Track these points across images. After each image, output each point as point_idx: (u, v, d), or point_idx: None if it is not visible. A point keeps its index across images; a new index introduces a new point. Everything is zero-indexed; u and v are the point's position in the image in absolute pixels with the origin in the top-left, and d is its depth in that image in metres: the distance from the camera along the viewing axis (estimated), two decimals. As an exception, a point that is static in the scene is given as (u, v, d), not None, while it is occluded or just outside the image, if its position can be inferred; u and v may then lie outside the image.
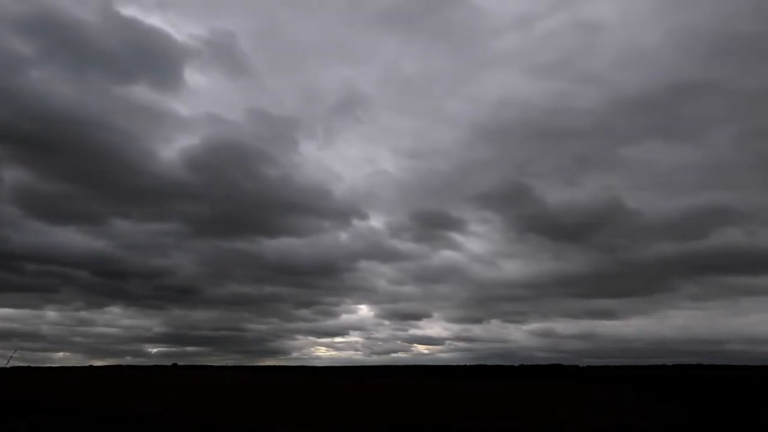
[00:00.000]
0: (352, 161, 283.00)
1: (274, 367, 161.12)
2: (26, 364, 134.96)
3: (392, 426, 18.96)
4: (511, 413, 23.31)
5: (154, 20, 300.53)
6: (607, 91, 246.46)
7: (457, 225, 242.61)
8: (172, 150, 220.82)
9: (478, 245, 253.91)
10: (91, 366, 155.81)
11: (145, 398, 30.99)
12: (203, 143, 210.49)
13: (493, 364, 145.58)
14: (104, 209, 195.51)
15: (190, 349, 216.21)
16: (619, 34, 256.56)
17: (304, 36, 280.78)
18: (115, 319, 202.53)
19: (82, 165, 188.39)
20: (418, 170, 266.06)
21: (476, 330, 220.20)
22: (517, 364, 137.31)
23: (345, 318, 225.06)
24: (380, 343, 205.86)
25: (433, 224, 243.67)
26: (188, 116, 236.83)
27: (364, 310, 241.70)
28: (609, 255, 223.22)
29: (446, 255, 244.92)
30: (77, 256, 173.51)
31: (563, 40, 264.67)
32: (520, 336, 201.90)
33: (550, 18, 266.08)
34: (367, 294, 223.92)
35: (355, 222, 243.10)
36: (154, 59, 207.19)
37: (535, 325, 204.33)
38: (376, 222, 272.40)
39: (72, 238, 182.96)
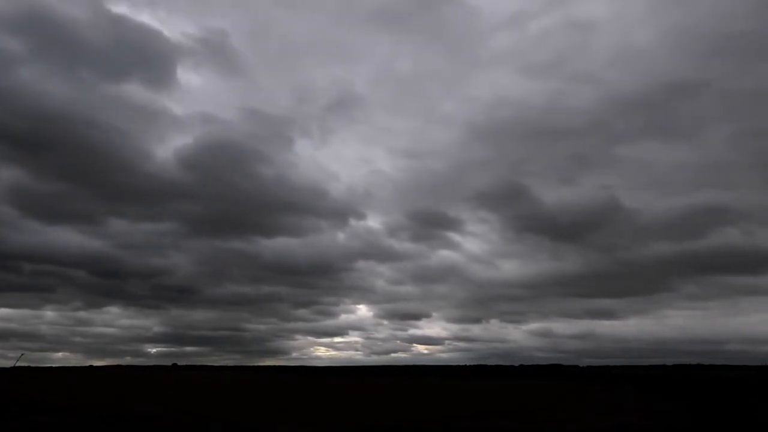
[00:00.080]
0: (347, 161, 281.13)
1: (274, 367, 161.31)
2: (26, 364, 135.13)
3: (392, 426, 18.97)
4: (511, 413, 23.32)
5: (145, 18, 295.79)
6: (602, 91, 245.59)
7: (454, 225, 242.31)
8: (166, 149, 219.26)
9: (476, 245, 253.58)
10: (90, 366, 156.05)
11: (145, 398, 31.00)
12: (198, 142, 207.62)
13: (493, 364, 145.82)
14: (100, 209, 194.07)
15: (189, 349, 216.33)
16: (613, 33, 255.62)
17: (296, 35, 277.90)
18: (114, 319, 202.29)
19: (77, 164, 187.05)
20: (414, 170, 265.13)
21: (475, 330, 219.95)
22: (517, 364, 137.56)
23: (344, 318, 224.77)
24: (380, 343, 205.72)
25: (430, 224, 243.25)
26: (182, 115, 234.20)
27: (363, 310, 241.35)
28: (607, 255, 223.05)
29: (444, 255, 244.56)
30: (74, 256, 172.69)
31: (557, 40, 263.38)
32: (519, 336, 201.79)
33: (544, 17, 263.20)
34: (365, 294, 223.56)
35: (353, 222, 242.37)
36: (147, 57, 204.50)
37: (534, 325, 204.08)
38: (373, 222, 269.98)
39: (68, 238, 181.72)
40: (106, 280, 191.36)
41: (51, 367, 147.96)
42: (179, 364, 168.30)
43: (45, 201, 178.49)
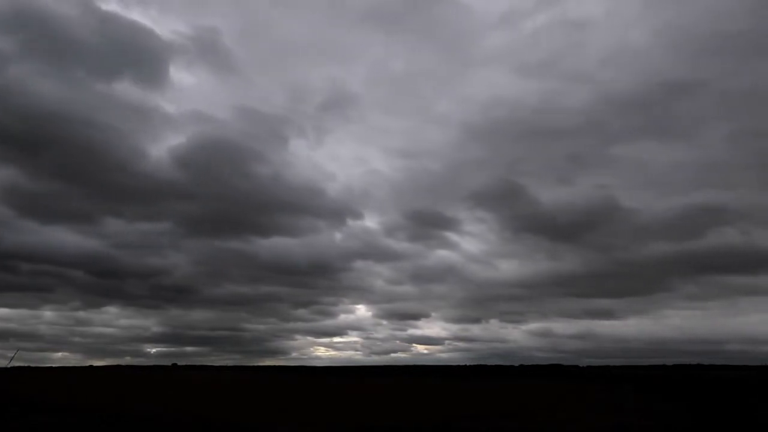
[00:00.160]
0: (343, 160, 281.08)
1: (274, 367, 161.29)
2: (26, 364, 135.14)
3: (392, 426, 18.96)
4: (511, 413, 23.32)
5: (136, 16, 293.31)
6: (597, 90, 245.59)
7: (451, 224, 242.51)
8: (160, 148, 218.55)
9: (474, 245, 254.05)
10: (90, 366, 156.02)
11: (145, 398, 31.00)
12: (192, 141, 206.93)
13: (493, 364, 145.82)
14: (96, 208, 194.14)
15: (189, 349, 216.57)
16: (607, 32, 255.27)
17: (288, 34, 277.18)
18: (113, 319, 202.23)
19: (72, 163, 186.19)
20: (410, 170, 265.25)
21: (475, 330, 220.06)
22: (517, 364, 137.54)
23: (343, 318, 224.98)
24: (379, 343, 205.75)
25: (427, 224, 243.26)
26: (175, 114, 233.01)
27: (362, 310, 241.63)
28: (606, 254, 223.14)
29: (442, 255, 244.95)
30: (71, 256, 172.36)
31: (551, 39, 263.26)
32: (519, 336, 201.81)
33: (536, 16, 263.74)
34: (364, 294, 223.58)
35: (350, 222, 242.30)
36: (138, 56, 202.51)
37: (533, 325, 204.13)
38: (371, 222, 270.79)
39: (65, 238, 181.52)
40: (104, 280, 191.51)
41: (51, 367, 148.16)
42: (179, 364, 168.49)
43: (41, 201, 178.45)
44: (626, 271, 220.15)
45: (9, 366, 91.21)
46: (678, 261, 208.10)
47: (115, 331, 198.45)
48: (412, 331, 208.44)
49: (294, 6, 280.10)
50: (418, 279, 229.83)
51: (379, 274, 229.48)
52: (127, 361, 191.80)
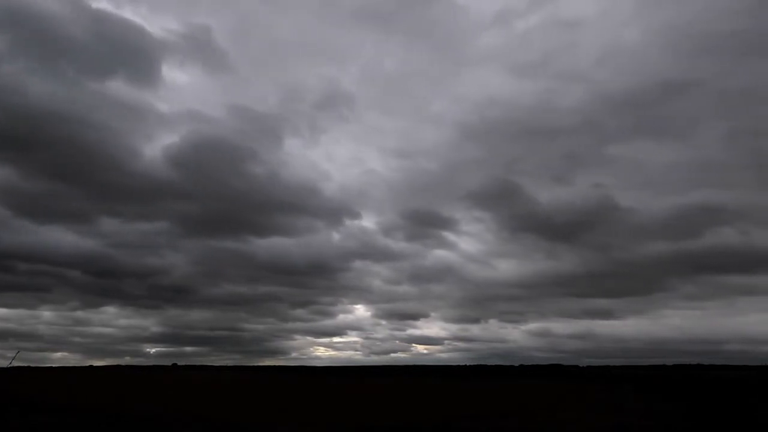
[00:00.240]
0: (339, 160, 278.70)
1: (274, 367, 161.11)
2: (26, 364, 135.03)
3: (392, 426, 18.97)
4: (511, 413, 23.32)
5: (126, 14, 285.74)
6: (591, 90, 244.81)
7: (449, 224, 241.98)
8: (154, 147, 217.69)
9: (471, 245, 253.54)
10: (90, 366, 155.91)
11: (145, 398, 31.00)
12: (186, 140, 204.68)
13: (493, 364, 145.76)
14: (91, 208, 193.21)
15: (188, 349, 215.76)
16: (600, 31, 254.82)
17: (280, 33, 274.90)
18: (111, 319, 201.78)
19: (66, 162, 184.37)
20: (406, 170, 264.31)
21: (474, 330, 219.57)
22: (517, 364, 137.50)
23: (342, 318, 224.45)
24: (379, 343, 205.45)
25: (425, 224, 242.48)
26: (168, 113, 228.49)
27: (361, 310, 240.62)
28: (604, 254, 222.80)
29: (440, 254, 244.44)
30: (68, 256, 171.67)
31: (544, 39, 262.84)
32: (518, 336, 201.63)
33: (530, 16, 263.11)
34: (362, 294, 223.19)
35: (347, 221, 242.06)
36: (130, 54, 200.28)
37: (532, 325, 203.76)
38: (368, 221, 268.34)
39: (62, 238, 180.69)
40: (102, 280, 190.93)
41: (50, 367, 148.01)
42: (179, 364, 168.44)
43: (36, 200, 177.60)
44: (625, 271, 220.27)
45: (9, 366, 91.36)
46: (676, 261, 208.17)
47: (114, 331, 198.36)
48: (411, 331, 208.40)
49: (286, 4, 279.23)
50: (416, 279, 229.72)
51: (377, 274, 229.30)
52: (126, 361, 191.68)
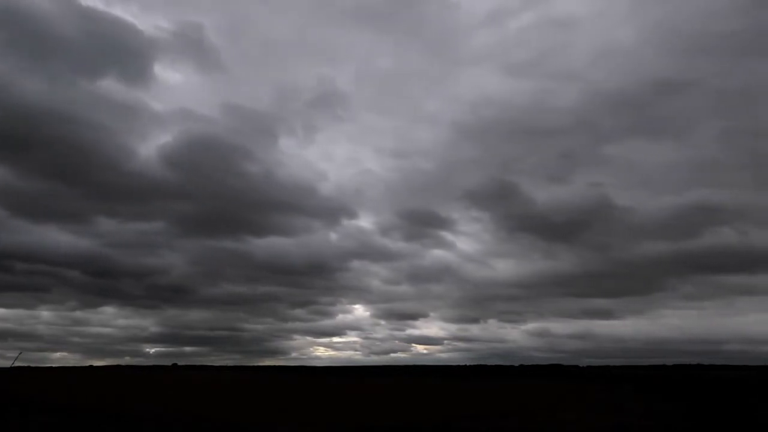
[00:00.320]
0: (335, 160, 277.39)
1: (274, 367, 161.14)
2: (26, 364, 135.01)
3: (392, 426, 18.97)
4: (511, 413, 23.32)
5: (117, 11, 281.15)
6: (586, 89, 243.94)
7: (446, 224, 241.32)
8: (149, 147, 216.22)
9: (469, 244, 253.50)
10: (90, 366, 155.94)
11: (145, 398, 30.99)
12: (181, 139, 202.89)
13: (493, 364, 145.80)
14: (87, 207, 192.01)
15: (188, 349, 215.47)
16: (594, 31, 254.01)
17: (273, 31, 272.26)
18: (110, 319, 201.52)
19: (61, 162, 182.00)
20: (402, 169, 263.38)
21: (474, 330, 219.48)
22: (517, 364, 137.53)
23: (341, 318, 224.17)
24: (378, 343, 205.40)
25: (422, 223, 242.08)
26: (162, 111, 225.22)
27: (360, 310, 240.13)
28: (602, 254, 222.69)
29: (438, 254, 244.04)
30: (66, 256, 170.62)
31: (537, 38, 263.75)
32: (518, 336, 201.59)
33: (523, 15, 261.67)
34: (361, 294, 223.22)
35: (344, 221, 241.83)
36: (122, 52, 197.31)
37: (532, 325, 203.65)
38: (365, 221, 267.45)
39: (58, 237, 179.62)
40: (100, 280, 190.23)
41: (50, 367, 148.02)
42: (179, 364, 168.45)
43: (32, 200, 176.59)
44: (623, 271, 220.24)
45: (12, 366, 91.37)
46: (674, 260, 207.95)
47: (113, 331, 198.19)
48: (410, 331, 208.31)
49: (278, 3, 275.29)
50: (414, 279, 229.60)
51: (375, 274, 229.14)
52: (126, 361, 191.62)
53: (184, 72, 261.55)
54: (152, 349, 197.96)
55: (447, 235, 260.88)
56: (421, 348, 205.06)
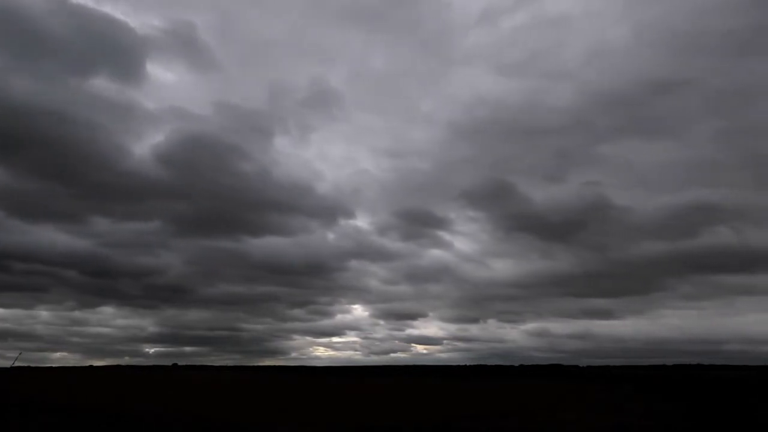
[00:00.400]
0: (331, 159, 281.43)
1: (274, 367, 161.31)
2: (26, 364, 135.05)
3: (392, 426, 18.96)
4: (511, 413, 23.32)
5: (107, 8, 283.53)
6: (580, 89, 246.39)
7: (443, 224, 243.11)
8: (143, 146, 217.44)
9: (466, 244, 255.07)
10: (90, 366, 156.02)
11: (145, 398, 31.00)
12: (174, 138, 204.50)
13: (493, 364, 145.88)
14: (83, 207, 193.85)
15: (187, 349, 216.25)
16: (586, 30, 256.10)
17: (264, 30, 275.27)
18: (109, 319, 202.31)
19: (53, 161, 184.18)
20: (398, 169, 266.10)
21: (473, 330, 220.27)
22: (517, 364, 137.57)
23: (340, 318, 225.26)
24: (378, 343, 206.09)
25: (419, 223, 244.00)
26: (154, 110, 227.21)
27: (359, 310, 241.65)
28: (599, 254, 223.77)
29: (435, 254, 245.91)
30: (62, 255, 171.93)
31: (530, 37, 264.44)
32: (517, 336, 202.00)
33: (516, 14, 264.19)
34: (360, 294, 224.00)
35: (341, 221, 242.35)
36: (113, 50, 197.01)
37: (531, 325, 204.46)
38: (362, 221, 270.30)
39: (54, 237, 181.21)
40: (98, 280, 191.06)
41: (50, 367, 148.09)
42: (179, 364, 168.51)
43: (27, 199, 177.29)
44: (621, 271, 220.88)
45: (12, 366, 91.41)
46: (672, 260, 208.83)
47: (112, 331, 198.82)
48: (410, 331, 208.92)
49: (271, 1, 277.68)
50: (413, 279, 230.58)
51: (374, 274, 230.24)
52: (126, 361, 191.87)
53: (176, 71, 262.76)
54: (152, 349, 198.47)
55: (444, 235, 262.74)
56: (420, 348, 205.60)
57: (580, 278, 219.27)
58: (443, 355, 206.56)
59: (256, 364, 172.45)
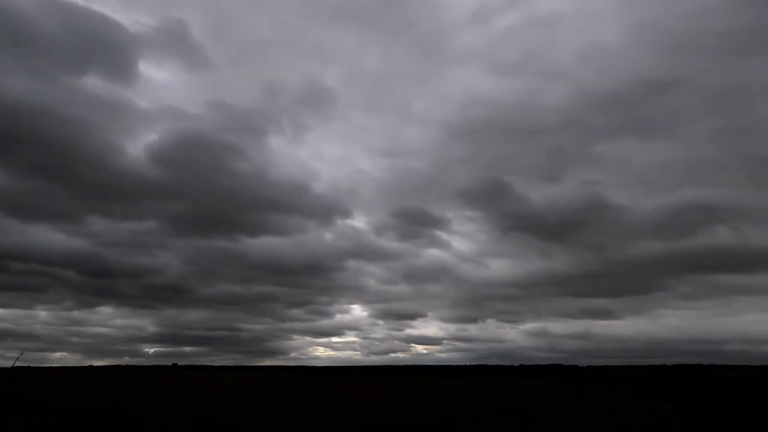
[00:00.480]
0: (327, 159, 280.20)
1: (274, 367, 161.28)
2: (26, 364, 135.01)
3: (392, 426, 18.96)
4: (511, 413, 23.32)
5: (95, 6, 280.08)
6: (574, 88, 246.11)
7: (440, 224, 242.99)
8: (137, 145, 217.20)
9: (464, 244, 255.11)
10: (90, 366, 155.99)
11: (145, 398, 30.99)
12: (168, 138, 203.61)
13: (493, 364, 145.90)
14: (78, 207, 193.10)
15: (187, 349, 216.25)
16: (579, 29, 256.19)
17: (258, 29, 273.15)
18: (108, 319, 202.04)
19: (48, 160, 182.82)
20: (394, 169, 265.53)
21: (473, 330, 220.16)
22: (516, 364, 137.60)
23: (339, 318, 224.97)
24: (377, 343, 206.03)
25: (416, 223, 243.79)
26: (148, 109, 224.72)
27: (358, 310, 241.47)
28: (598, 253, 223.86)
29: (433, 254, 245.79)
30: (59, 255, 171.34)
31: (523, 37, 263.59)
32: (516, 336, 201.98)
33: (508, 13, 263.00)
34: (358, 294, 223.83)
35: (339, 221, 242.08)
36: (105, 49, 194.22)
37: (530, 325, 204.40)
38: (359, 221, 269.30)
39: (51, 237, 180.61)
40: (95, 280, 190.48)
41: (50, 367, 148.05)
42: (179, 364, 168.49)
43: (23, 199, 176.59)
44: (619, 271, 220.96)
45: (13, 366, 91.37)
46: (670, 260, 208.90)
47: (111, 331, 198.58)
48: (409, 331, 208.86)
49: (264, 0, 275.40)
50: (411, 278, 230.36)
51: (372, 274, 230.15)
52: (126, 361, 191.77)
53: (169, 69, 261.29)
54: (152, 349, 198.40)
55: (442, 235, 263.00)
56: (420, 348, 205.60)
57: (578, 278, 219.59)
58: (443, 355, 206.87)
59: (255, 364, 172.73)
